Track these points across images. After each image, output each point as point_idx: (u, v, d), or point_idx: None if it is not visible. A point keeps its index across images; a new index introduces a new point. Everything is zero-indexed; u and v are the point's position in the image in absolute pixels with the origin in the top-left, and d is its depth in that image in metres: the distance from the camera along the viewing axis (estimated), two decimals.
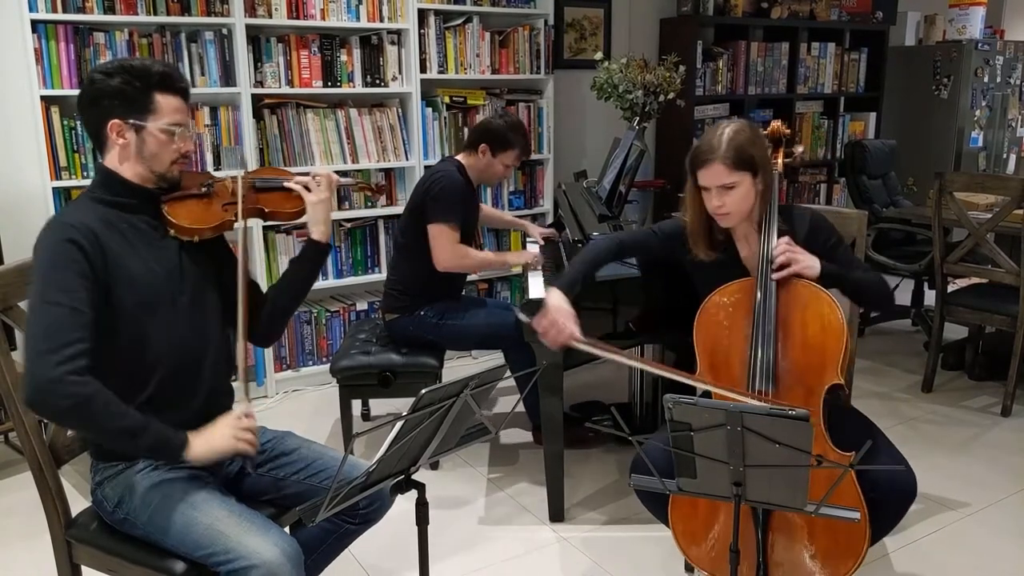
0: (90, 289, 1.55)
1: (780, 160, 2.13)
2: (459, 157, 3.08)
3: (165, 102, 1.65)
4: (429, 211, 2.90)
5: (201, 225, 1.73)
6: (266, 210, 1.87)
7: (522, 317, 2.06)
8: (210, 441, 1.61)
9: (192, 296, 1.72)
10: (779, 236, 1.97)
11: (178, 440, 1.58)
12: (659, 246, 2.22)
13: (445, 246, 2.91)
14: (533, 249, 3.27)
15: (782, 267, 1.92)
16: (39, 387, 1.46)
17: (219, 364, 1.77)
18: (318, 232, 1.90)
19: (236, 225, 1.78)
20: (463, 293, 3.23)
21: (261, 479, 1.80)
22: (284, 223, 1.92)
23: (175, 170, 1.71)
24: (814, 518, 1.74)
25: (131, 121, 1.63)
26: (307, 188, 1.87)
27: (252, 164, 3.48)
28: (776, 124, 2.16)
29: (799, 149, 2.27)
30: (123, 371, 1.63)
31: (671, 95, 3.87)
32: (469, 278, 4.12)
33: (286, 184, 1.88)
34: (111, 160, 1.68)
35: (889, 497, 1.82)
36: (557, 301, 2.09)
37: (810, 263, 1.93)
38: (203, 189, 1.78)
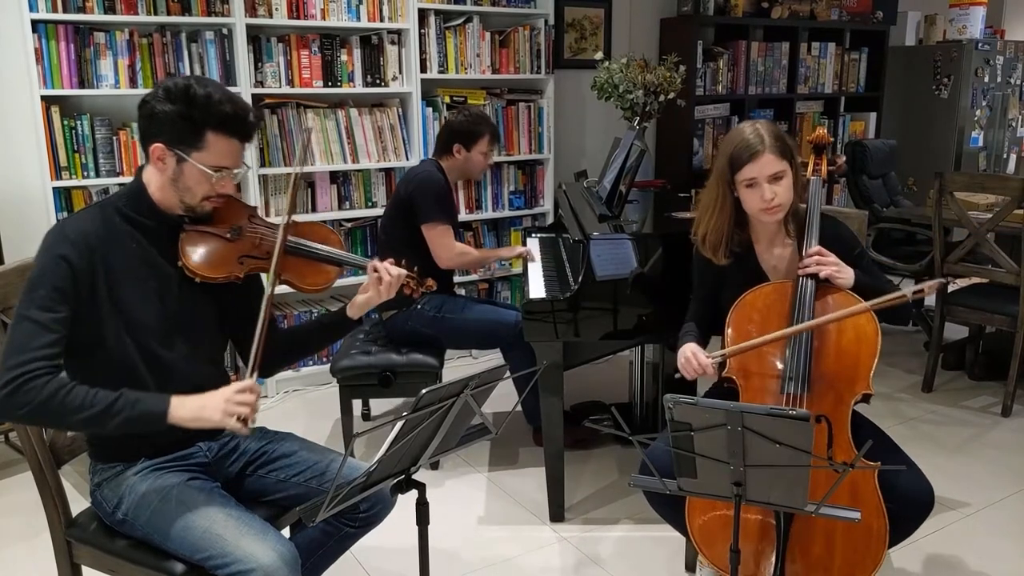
0: (69, 308, 1.53)
1: (824, 167, 2.14)
2: (435, 159, 3.12)
3: (217, 143, 1.59)
4: (420, 212, 2.93)
5: (207, 273, 1.66)
6: (282, 276, 1.74)
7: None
8: (200, 411, 1.53)
9: (188, 330, 1.68)
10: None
11: (157, 411, 1.52)
12: (710, 278, 2.15)
13: (445, 245, 2.95)
14: (530, 245, 3.26)
15: (817, 265, 1.93)
16: None
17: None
18: (356, 311, 1.84)
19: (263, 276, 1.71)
20: (463, 293, 3.23)
21: (262, 480, 1.79)
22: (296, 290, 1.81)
23: (206, 206, 1.66)
24: (836, 524, 1.75)
25: (174, 150, 1.59)
26: (379, 277, 1.78)
27: (253, 158, 3.49)
28: (821, 131, 2.17)
29: (842, 158, 2.28)
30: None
31: (671, 95, 3.86)
32: (470, 278, 4.13)
33: (373, 272, 1.77)
34: (148, 174, 1.65)
35: (908, 509, 1.84)
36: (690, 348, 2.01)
37: (846, 272, 1.93)
38: (228, 235, 1.70)
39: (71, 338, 1.58)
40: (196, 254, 1.66)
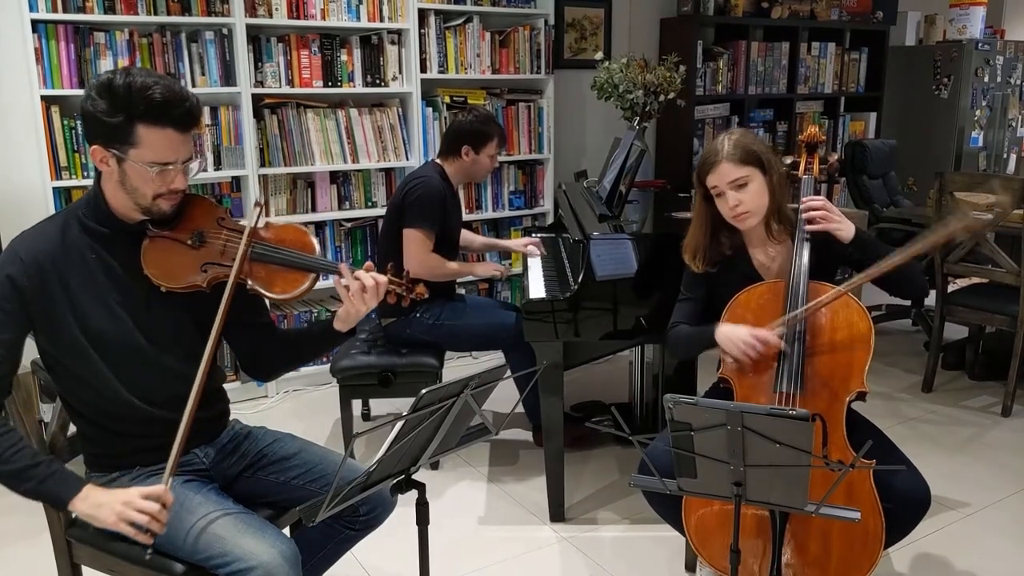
0: (15, 330, 1.51)
1: (816, 166, 2.15)
2: (439, 161, 3.09)
3: (150, 136, 1.48)
4: (405, 215, 2.90)
5: (168, 283, 1.58)
6: (249, 283, 1.62)
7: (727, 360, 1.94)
8: (96, 510, 1.47)
9: (163, 340, 1.63)
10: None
11: (61, 496, 1.49)
12: (703, 283, 2.14)
13: (417, 252, 2.90)
14: (499, 265, 3.22)
15: (813, 221, 1.95)
16: None
17: (200, 403, 1.58)
18: (342, 324, 1.70)
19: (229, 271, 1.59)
20: (463, 293, 3.23)
21: (261, 483, 1.79)
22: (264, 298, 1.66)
23: (162, 205, 1.56)
24: (832, 522, 1.75)
25: (111, 150, 1.50)
26: (347, 287, 1.63)
27: (253, 158, 3.49)
28: (813, 130, 2.18)
29: (834, 156, 2.29)
30: (99, 410, 1.62)
31: (671, 95, 3.86)
32: (470, 278, 4.13)
33: (342, 282, 1.62)
34: (103, 180, 1.57)
35: (905, 509, 1.84)
36: (726, 329, 1.95)
37: (844, 225, 1.95)
38: (189, 241, 1.61)
39: (49, 352, 1.58)
40: (156, 263, 1.58)
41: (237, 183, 3.60)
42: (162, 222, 1.61)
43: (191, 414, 1.50)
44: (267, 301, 1.71)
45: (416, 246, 2.89)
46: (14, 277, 1.50)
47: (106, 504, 1.46)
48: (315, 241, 1.71)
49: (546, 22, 4.18)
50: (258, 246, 1.64)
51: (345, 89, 3.73)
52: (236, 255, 1.60)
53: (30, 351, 1.60)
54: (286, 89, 3.58)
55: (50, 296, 1.53)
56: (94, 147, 1.51)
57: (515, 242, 3.41)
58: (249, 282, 1.62)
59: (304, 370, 3.79)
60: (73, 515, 1.59)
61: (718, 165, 1.97)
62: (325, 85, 3.67)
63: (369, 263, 1.68)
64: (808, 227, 1.96)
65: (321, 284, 1.85)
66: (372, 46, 3.76)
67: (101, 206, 1.58)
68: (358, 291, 1.62)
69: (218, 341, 1.57)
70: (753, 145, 1.99)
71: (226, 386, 1.89)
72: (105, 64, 3.20)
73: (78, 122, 3.18)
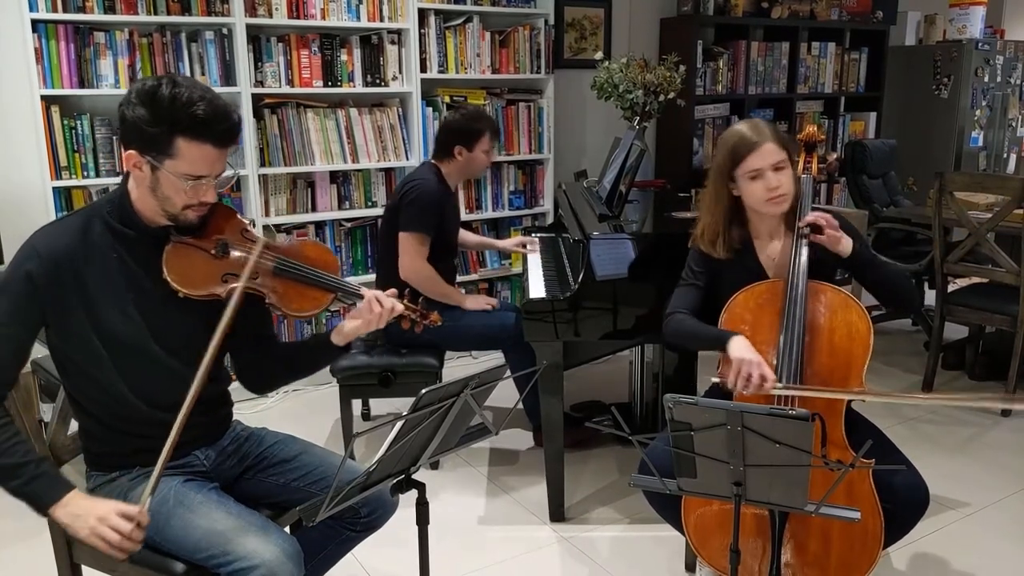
0: (29, 323, 1.52)
1: (815, 164, 2.15)
2: (435, 162, 3.09)
3: (188, 150, 1.48)
4: (401, 219, 2.91)
5: (187, 289, 1.57)
6: (268, 299, 1.63)
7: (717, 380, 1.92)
8: (73, 520, 1.48)
9: (175, 345, 1.63)
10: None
11: (43, 500, 1.49)
12: (707, 273, 2.13)
13: (411, 259, 2.90)
14: (491, 299, 3.19)
15: (814, 228, 1.94)
16: None
17: (205, 406, 1.63)
18: (340, 339, 1.73)
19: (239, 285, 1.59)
20: (463, 293, 3.23)
21: (262, 484, 1.79)
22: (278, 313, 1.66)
23: (189, 215, 1.57)
24: (831, 522, 1.75)
25: (147, 157, 1.50)
26: (370, 305, 1.67)
27: (253, 158, 3.48)
28: (812, 129, 2.18)
29: (833, 155, 2.28)
30: (105, 408, 1.61)
31: (671, 95, 3.86)
32: (469, 278, 4.13)
33: (365, 302, 1.66)
34: (131, 182, 1.58)
35: (904, 508, 1.84)
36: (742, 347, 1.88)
37: (844, 238, 1.95)
38: (213, 251, 1.61)
39: (59, 349, 1.58)
40: (178, 268, 1.58)
41: (237, 183, 3.60)
42: (187, 229, 1.61)
43: (179, 429, 1.48)
44: (277, 314, 1.71)
45: (410, 252, 2.90)
46: (31, 272, 1.51)
47: (82, 516, 1.47)
48: (337, 260, 1.73)
49: (546, 22, 4.18)
50: (282, 262, 1.65)
51: (345, 89, 3.73)
52: (261, 268, 1.62)
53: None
54: (286, 89, 3.58)
55: (65, 293, 1.54)
56: (129, 152, 1.51)
57: (509, 242, 3.49)
58: (269, 296, 1.63)
59: None
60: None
61: (763, 145, 1.94)
62: (325, 85, 3.67)
63: (393, 290, 1.72)
64: (811, 235, 1.94)
65: None
66: (372, 46, 3.76)
67: (127, 207, 1.59)
68: (376, 313, 1.67)
69: (219, 350, 1.56)
70: (783, 134, 2.02)
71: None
72: (105, 64, 3.20)
73: (78, 122, 3.18)
